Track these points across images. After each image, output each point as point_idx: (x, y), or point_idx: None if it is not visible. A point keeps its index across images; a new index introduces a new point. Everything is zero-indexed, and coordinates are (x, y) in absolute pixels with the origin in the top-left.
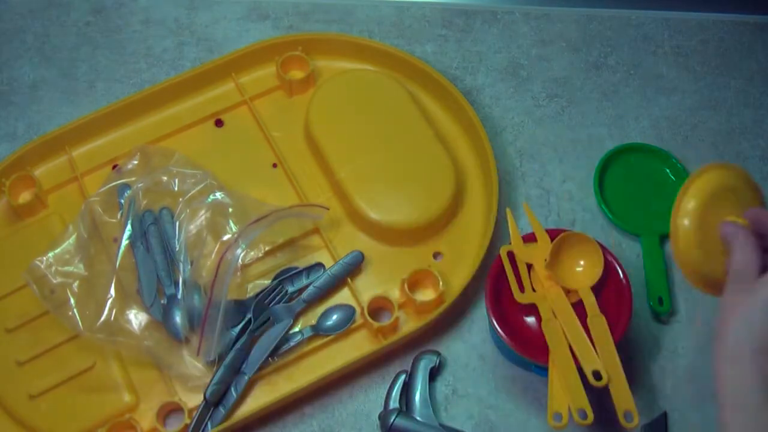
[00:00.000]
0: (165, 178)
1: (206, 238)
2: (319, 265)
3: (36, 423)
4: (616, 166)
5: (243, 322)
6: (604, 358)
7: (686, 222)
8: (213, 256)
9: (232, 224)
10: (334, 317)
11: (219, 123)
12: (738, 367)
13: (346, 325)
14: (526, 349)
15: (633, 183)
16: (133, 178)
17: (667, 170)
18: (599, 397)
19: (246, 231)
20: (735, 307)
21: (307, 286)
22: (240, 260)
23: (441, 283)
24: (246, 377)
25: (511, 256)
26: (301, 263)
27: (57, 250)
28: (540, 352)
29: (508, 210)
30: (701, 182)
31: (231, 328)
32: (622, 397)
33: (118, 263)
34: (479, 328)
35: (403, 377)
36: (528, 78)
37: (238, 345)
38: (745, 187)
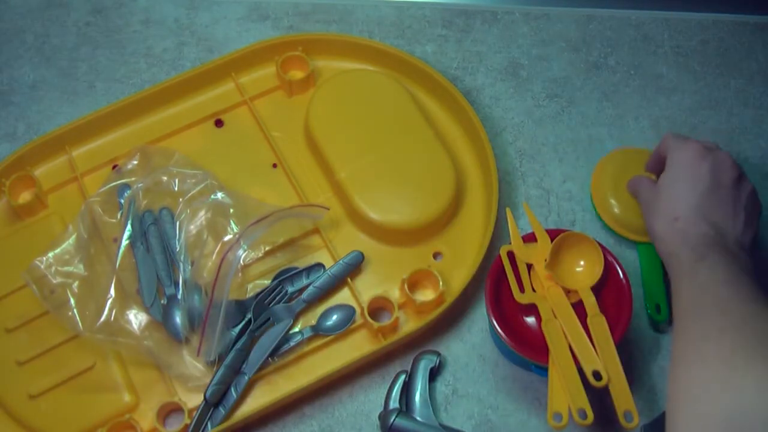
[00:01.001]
0: (165, 178)
1: (206, 238)
2: (319, 265)
3: (36, 423)
4: None
5: (243, 322)
6: (604, 358)
7: (605, 190)
8: (214, 256)
9: (233, 224)
10: (334, 317)
11: (219, 123)
12: (664, 245)
13: (346, 325)
14: (526, 349)
15: None
16: (133, 178)
17: None
18: (599, 397)
19: (247, 232)
20: (650, 217)
21: (307, 286)
22: (241, 261)
23: (441, 283)
24: (246, 377)
25: (511, 256)
26: (301, 263)
27: (57, 250)
28: (540, 352)
29: (508, 210)
30: (606, 161)
31: (231, 328)
32: (622, 397)
33: (118, 263)
34: (479, 328)
35: (403, 377)
36: (528, 78)
37: (238, 345)
38: (643, 156)
